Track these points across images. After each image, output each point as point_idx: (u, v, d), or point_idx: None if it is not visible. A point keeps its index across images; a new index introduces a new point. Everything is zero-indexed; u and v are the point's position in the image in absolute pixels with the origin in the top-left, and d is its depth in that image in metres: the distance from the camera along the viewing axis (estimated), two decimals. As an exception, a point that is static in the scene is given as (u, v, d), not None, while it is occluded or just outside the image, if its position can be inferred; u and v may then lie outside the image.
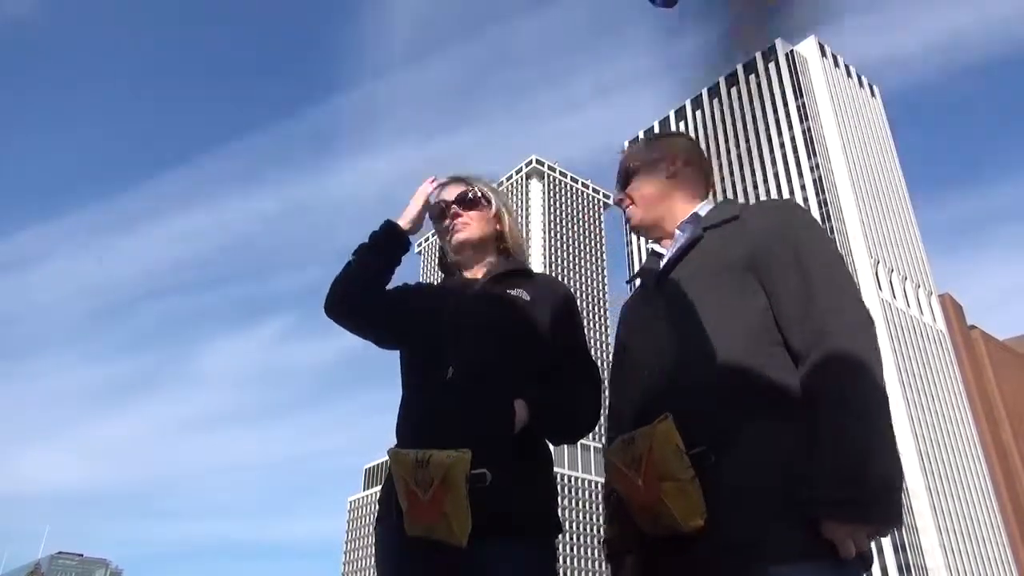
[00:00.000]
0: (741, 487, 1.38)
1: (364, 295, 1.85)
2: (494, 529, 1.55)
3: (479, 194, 1.98)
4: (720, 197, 1.83)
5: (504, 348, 1.76)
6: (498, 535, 1.56)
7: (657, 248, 1.80)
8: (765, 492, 1.37)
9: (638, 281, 1.84)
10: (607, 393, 1.85)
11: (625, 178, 1.86)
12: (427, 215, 2.00)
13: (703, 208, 1.76)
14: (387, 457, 1.70)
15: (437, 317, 1.80)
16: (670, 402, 1.47)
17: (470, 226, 1.94)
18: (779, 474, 1.38)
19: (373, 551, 1.76)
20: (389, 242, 1.89)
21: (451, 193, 1.97)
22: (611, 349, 1.83)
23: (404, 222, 1.92)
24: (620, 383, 1.73)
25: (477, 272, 1.93)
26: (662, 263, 1.72)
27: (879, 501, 1.29)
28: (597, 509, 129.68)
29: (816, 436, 1.35)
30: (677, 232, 1.74)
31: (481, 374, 1.71)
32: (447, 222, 1.95)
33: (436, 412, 1.69)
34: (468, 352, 1.73)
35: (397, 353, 1.90)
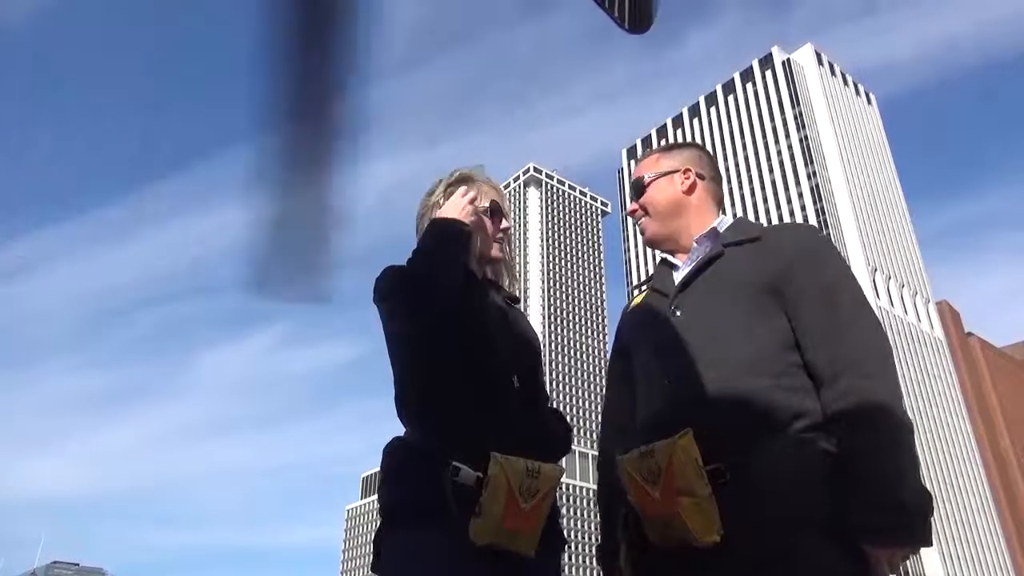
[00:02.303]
0: (764, 504, 1.41)
1: (458, 276, 1.72)
2: (542, 541, 1.59)
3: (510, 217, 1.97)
4: (731, 212, 1.78)
5: (541, 365, 1.83)
6: (541, 547, 1.59)
7: (670, 259, 1.79)
8: (790, 510, 1.40)
9: (644, 288, 1.83)
10: (604, 396, 1.88)
11: (639, 189, 1.83)
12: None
13: (721, 224, 1.75)
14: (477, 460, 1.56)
15: (493, 322, 1.77)
16: (688, 415, 1.49)
17: (501, 247, 1.92)
18: (803, 494, 1.42)
19: (408, 557, 1.58)
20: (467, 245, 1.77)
21: (502, 205, 1.92)
22: (609, 356, 1.89)
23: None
24: (626, 389, 1.74)
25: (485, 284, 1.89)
26: (678, 275, 1.73)
27: (918, 526, 1.35)
28: (592, 517, 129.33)
29: (851, 462, 1.40)
30: (695, 245, 1.74)
31: (536, 387, 1.77)
32: (496, 235, 1.89)
33: (513, 420, 1.67)
34: (527, 363, 1.77)
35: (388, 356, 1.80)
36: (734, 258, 1.63)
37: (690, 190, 1.78)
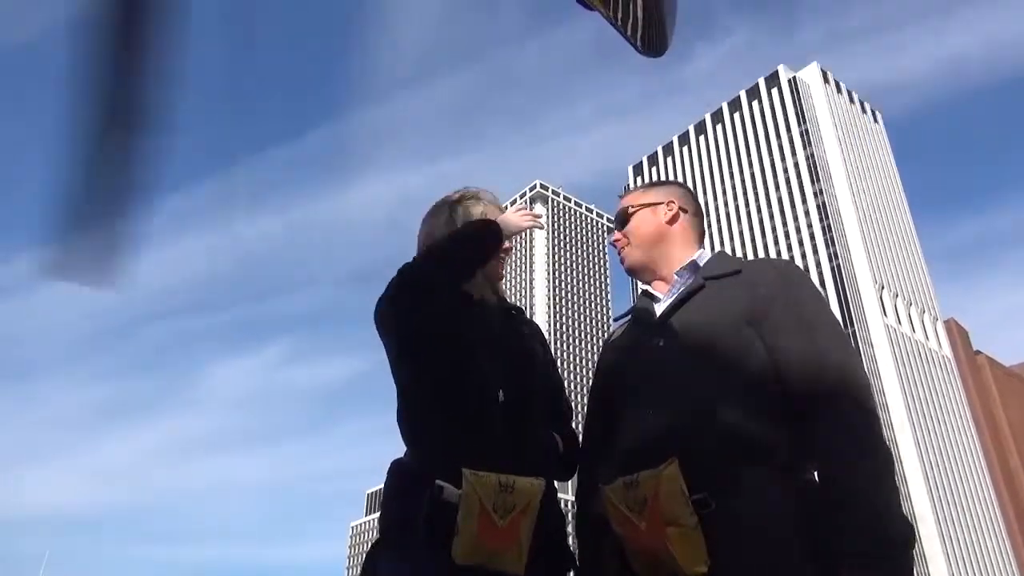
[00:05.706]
0: (752, 533, 1.42)
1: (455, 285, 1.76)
2: (538, 560, 1.55)
3: None
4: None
5: (537, 378, 1.81)
6: (538, 565, 1.56)
7: (651, 290, 1.82)
8: (776, 540, 1.42)
9: (626, 319, 1.88)
10: (584, 424, 1.87)
11: (623, 219, 1.89)
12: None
13: (701, 257, 1.80)
14: (446, 478, 1.55)
15: (482, 336, 1.76)
16: (672, 445, 1.50)
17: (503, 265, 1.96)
18: (788, 523, 1.43)
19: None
20: (494, 246, 1.81)
21: None
22: (590, 387, 1.96)
23: (508, 233, 1.84)
24: (607, 418, 1.75)
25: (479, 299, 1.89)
26: (660, 306, 1.76)
27: (903, 555, 1.37)
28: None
29: (836, 492, 1.42)
30: (675, 277, 1.77)
31: (527, 401, 1.73)
32: (501, 254, 1.92)
33: (496, 436, 1.65)
34: (515, 378, 1.74)
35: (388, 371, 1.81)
36: (715, 291, 1.66)
37: (672, 220, 1.84)
